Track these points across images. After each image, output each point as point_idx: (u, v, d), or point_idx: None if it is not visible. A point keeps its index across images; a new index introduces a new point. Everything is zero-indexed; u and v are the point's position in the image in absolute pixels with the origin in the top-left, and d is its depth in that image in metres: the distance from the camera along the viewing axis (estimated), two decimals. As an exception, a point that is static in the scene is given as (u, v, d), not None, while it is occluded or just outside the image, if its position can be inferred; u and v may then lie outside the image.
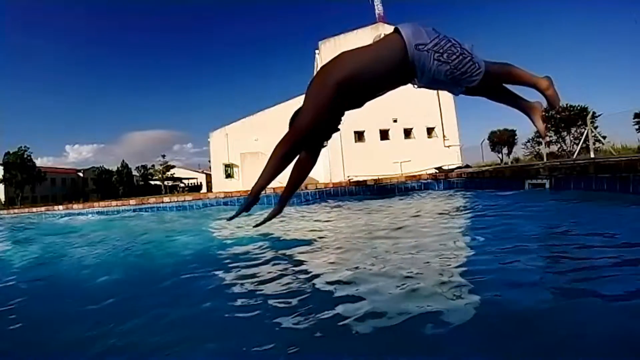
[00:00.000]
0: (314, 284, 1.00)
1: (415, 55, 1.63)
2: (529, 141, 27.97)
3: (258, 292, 1.02)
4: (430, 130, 16.50)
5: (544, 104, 1.88)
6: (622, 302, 0.72)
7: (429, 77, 1.77)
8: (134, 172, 51.94)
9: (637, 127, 20.56)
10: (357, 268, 1.14)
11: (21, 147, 36.10)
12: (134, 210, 4.85)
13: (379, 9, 17.85)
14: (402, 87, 1.84)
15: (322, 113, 1.68)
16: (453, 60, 1.64)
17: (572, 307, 0.73)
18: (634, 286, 0.79)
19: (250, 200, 1.69)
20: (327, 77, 1.66)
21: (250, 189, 1.74)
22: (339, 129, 1.95)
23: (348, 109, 1.82)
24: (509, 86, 1.90)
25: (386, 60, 1.67)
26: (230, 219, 1.74)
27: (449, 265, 1.10)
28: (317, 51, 16.95)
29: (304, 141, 1.74)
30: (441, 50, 1.63)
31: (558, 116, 27.31)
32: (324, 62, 1.78)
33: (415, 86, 1.80)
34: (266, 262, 1.42)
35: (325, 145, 1.99)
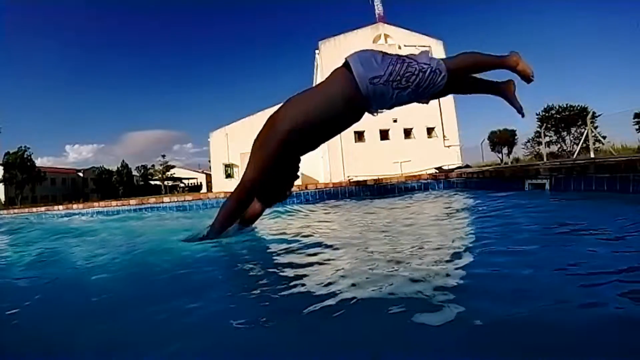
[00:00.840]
0: (313, 284, 1.00)
1: (371, 91, 1.53)
2: (529, 141, 28.02)
3: (255, 291, 1.02)
4: (430, 130, 16.49)
5: (519, 82, 1.81)
6: (623, 305, 0.72)
7: (390, 105, 1.67)
8: (134, 172, 51.99)
9: (637, 127, 20.58)
10: (356, 267, 1.14)
11: (21, 147, 36.15)
12: (134, 210, 4.85)
13: (379, 9, 17.85)
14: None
15: (269, 167, 1.59)
16: (413, 81, 1.55)
17: (572, 308, 0.73)
18: (634, 287, 0.79)
19: (211, 237, 1.62)
20: (275, 128, 1.56)
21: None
22: (298, 176, 1.88)
23: (302, 154, 1.74)
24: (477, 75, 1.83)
25: (337, 102, 1.55)
26: (186, 240, 1.67)
27: (448, 265, 1.10)
28: (317, 51, 16.95)
29: (252, 195, 1.67)
30: (399, 78, 1.53)
31: (558, 116, 27.32)
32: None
33: (375, 114, 1.71)
34: (264, 262, 1.42)
35: (289, 195, 1.89)
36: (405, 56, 1.63)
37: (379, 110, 1.69)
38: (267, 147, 1.57)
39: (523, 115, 1.87)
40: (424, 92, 1.61)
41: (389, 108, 1.70)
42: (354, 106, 1.60)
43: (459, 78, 1.71)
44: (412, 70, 1.55)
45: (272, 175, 1.63)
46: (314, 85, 1.88)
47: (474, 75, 1.82)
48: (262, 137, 1.62)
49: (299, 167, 1.81)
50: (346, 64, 1.59)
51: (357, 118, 1.68)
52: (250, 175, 1.60)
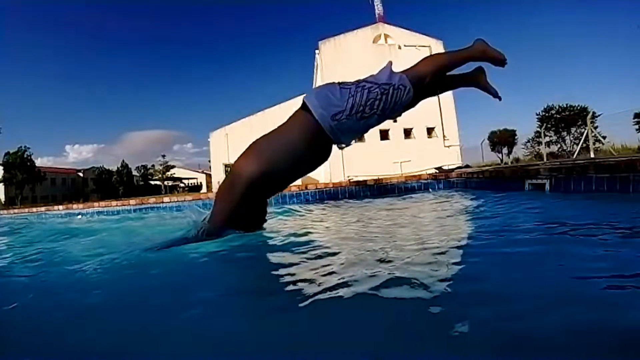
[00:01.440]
0: (312, 283, 1.00)
1: (335, 128, 1.48)
2: (528, 141, 28.04)
3: (251, 291, 1.02)
4: (430, 130, 16.49)
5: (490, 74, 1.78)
6: (623, 305, 0.72)
7: (359, 135, 1.62)
8: (134, 172, 52.02)
9: (637, 127, 20.59)
10: (354, 267, 1.14)
11: (21, 147, 36.14)
12: (134, 211, 4.85)
13: (379, 9, 17.85)
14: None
15: (233, 211, 1.55)
16: (377, 106, 1.49)
17: (573, 308, 0.73)
18: (634, 287, 0.79)
19: (203, 238, 1.51)
20: (238, 176, 1.52)
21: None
22: (266, 220, 1.85)
23: (268, 197, 1.71)
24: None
25: (299, 147, 1.50)
26: (161, 249, 1.51)
27: (447, 264, 1.10)
28: (317, 51, 16.94)
29: (222, 231, 1.60)
30: (361, 108, 1.47)
31: (558, 116, 27.34)
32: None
33: (344, 145, 1.65)
34: (261, 261, 1.42)
35: (264, 228, 1.84)
36: (365, 80, 1.56)
37: (350, 143, 1.64)
38: (232, 193, 1.53)
39: (500, 99, 1.83)
40: (392, 112, 1.56)
41: (360, 137, 1.69)
42: (320, 144, 1.56)
43: (427, 84, 1.65)
44: (374, 96, 1.49)
45: (238, 216, 1.59)
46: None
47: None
48: (226, 183, 1.58)
49: (266, 212, 1.80)
50: (305, 105, 1.53)
51: (328, 154, 1.65)
52: (216, 221, 1.57)
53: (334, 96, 1.50)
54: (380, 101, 1.50)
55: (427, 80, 1.63)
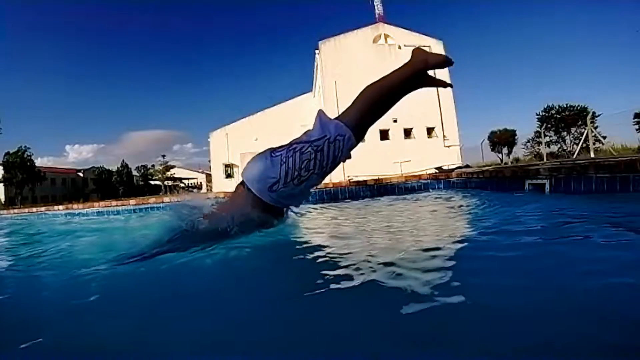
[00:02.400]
0: (311, 282, 1.00)
1: (276, 197, 1.45)
2: (528, 141, 28.07)
3: (248, 290, 1.02)
4: (430, 130, 16.51)
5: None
6: (623, 306, 0.72)
7: (305, 197, 1.59)
8: (134, 172, 52.02)
9: (637, 127, 20.59)
10: (354, 266, 1.14)
11: (21, 147, 36.12)
12: (134, 211, 4.85)
13: (379, 9, 17.88)
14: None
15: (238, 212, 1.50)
16: (314, 165, 1.43)
17: (571, 307, 0.73)
18: (633, 287, 0.79)
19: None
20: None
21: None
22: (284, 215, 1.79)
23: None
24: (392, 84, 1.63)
25: (258, 214, 1.50)
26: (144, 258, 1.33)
27: (446, 264, 1.10)
28: (317, 51, 16.96)
29: None
30: (297, 173, 1.42)
31: (558, 116, 27.35)
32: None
33: (297, 211, 1.66)
34: (261, 261, 1.41)
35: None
36: (296, 142, 1.48)
37: (298, 205, 1.63)
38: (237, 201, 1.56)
39: (452, 86, 1.81)
40: (334, 164, 1.49)
41: (309, 196, 1.65)
42: (272, 212, 1.54)
43: (371, 118, 1.58)
44: (307, 157, 1.43)
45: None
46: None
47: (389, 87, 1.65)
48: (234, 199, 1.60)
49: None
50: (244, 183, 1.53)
51: (282, 215, 1.65)
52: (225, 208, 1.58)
53: (266, 167, 1.46)
54: (316, 160, 1.44)
55: (368, 119, 1.57)
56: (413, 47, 1.78)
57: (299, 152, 1.43)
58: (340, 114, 1.59)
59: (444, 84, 1.76)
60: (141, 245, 1.45)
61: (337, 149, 1.47)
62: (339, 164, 1.53)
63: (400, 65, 1.63)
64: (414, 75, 1.59)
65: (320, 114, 1.56)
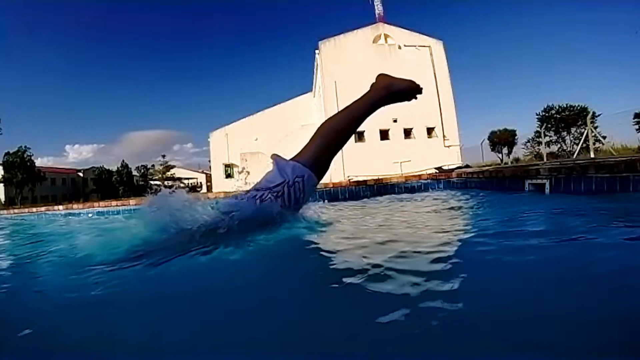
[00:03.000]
0: (308, 282, 1.00)
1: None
2: (528, 141, 28.04)
3: (246, 290, 1.02)
4: (430, 130, 16.52)
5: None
6: (623, 305, 0.72)
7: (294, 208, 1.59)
8: (134, 172, 52.04)
9: (637, 127, 20.57)
10: (353, 266, 1.14)
11: (21, 147, 36.13)
12: (134, 210, 4.85)
13: (379, 9, 17.88)
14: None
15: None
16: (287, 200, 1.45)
17: (572, 309, 0.73)
18: (633, 287, 0.79)
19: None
20: None
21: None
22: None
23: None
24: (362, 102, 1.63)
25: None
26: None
27: (446, 264, 1.10)
28: (317, 51, 16.97)
29: None
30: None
31: (558, 116, 27.35)
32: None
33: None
34: (261, 261, 1.41)
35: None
36: (256, 189, 1.49)
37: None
38: None
39: (421, 92, 1.70)
40: (297, 204, 1.49)
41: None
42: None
43: (332, 152, 1.57)
44: (269, 197, 1.45)
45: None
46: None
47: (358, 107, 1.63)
48: None
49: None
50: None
51: None
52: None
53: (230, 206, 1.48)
54: (281, 195, 1.47)
55: (326, 155, 1.55)
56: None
57: (259, 200, 1.43)
58: (297, 153, 1.58)
59: (408, 98, 1.70)
60: (143, 245, 1.48)
61: (298, 191, 1.46)
62: (304, 203, 1.54)
63: (362, 94, 1.62)
64: (377, 102, 1.58)
65: (276, 158, 1.55)
